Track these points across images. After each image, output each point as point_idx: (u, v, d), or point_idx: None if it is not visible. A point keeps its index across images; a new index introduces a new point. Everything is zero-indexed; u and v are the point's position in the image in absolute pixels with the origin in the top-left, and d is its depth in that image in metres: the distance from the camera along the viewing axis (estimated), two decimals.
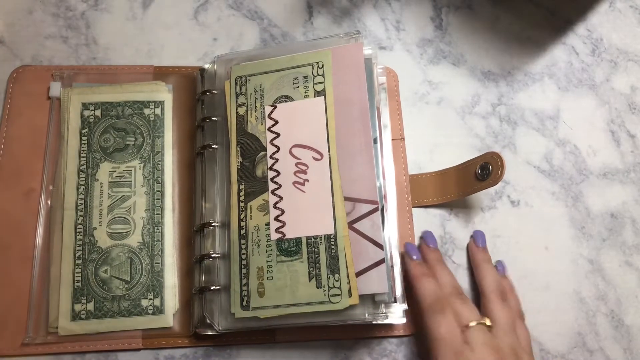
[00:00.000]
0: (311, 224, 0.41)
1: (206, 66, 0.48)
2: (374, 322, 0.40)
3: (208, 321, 0.41)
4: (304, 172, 0.42)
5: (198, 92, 0.48)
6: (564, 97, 0.53)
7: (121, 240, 0.44)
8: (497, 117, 0.51)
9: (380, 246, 0.40)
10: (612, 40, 0.55)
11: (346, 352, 0.43)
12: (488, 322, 0.39)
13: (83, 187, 0.44)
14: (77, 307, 0.42)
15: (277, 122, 0.43)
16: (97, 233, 0.43)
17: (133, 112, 0.47)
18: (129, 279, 0.43)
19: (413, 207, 0.47)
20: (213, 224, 0.43)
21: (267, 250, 0.41)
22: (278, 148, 0.43)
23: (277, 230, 0.41)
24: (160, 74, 0.48)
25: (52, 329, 0.41)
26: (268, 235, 0.41)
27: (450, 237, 0.47)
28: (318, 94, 0.43)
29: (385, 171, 0.43)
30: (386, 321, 0.40)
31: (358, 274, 0.40)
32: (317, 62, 0.44)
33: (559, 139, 0.51)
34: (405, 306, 0.40)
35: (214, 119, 0.46)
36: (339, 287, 0.39)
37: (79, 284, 0.42)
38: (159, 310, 0.42)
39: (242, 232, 0.42)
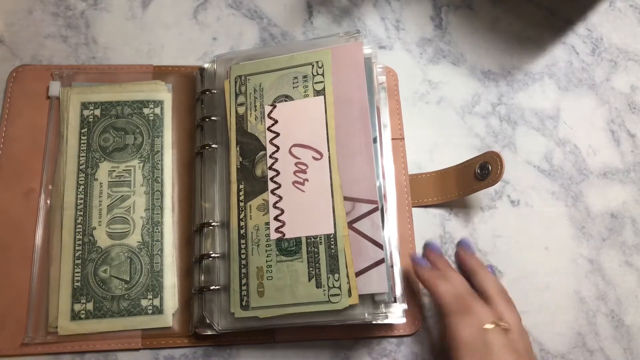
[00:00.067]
0: (311, 223, 0.41)
1: (206, 66, 0.47)
2: (373, 322, 0.40)
3: (208, 321, 0.41)
4: (304, 171, 0.42)
5: (197, 92, 0.48)
6: (564, 96, 0.53)
7: (121, 240, 0.43)
8: (497, 116, 0.51)
9: (380, 246, 0.40)
10: (612, 40, 0.55)
11: (346, 352, 0.43)
12: (505, 325, 0.39)
13: (82, 186, 0.44)
14: (77, 306, 0.42)
15: (276, 121, 0.43)
16: (97, 233, 0.43)
17: (132, 112, 0.47)
18: (128, 279, 0.43)
19: (413, 206, 0.47)
20: (212, 224, 0.43)
21: (266, 250, 0.41)
22: (278, 147, 0.43)
23: (277, 230, 0.41)
24: (159, 73, 0.48)
25: (51, 328, 0.41)
26: (268, 235, 0.41)
27: (450, 237, 0.47)
28: (318, 93, 0.43)
29: (385, 171, 0.43)
30: (386, 321, 0.40)
31: (358, 274, 0.40)
32: (317, 62, 0.44)
33: (559, 139, 0.51)
34: (405, 306, 0.40)
35: (213, 118, 0.45)
36: (339, 287, 0.39)
37: (79, 283, 0.42)
38: (159, 310, 0.42)
39: (242, 231, 0.42)
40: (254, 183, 0.43)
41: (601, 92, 0.53)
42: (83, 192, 0.44)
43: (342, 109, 0.43)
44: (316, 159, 0.42)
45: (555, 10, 0.55)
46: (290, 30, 0.52)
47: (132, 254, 0.43)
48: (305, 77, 0.44)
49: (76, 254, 0.43)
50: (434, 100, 0.51)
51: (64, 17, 0.50)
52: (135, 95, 0.47)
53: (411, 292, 0.45)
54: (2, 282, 0.42)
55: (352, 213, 0.41)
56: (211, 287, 0.42)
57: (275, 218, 0.41)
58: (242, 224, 0.42)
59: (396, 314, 0.40)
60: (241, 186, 0.43)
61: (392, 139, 0.47)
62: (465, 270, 0.44)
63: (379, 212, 0.41)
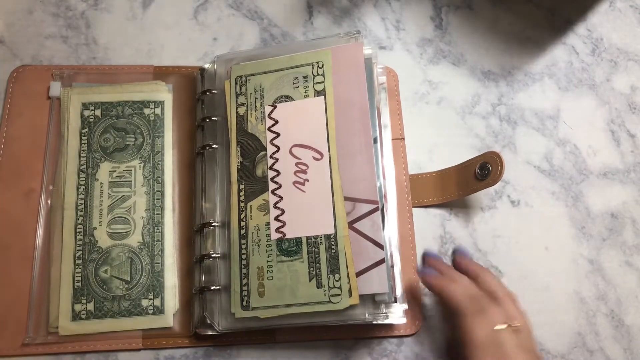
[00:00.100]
0: (311, 223, 0.41)
1: (206, 66, 0.47)
2: (374, 322, 0.40)
3: (208, 321, 0.41)
4: (304, 171, 0.42)
5: (198, 92, 0.48)
6: (564, 97, 0.53)
7: (121, 240, 0.43)
8: (497, 117, 0.51)
9: (381, 246, 0.40)
10: (612, 40, 0.55)
11: (346, 352, 0.43)
12: (517, 325, 0.39)
13: (83, 187, 0.44)
14: (77, 307, 0.42)
15: (277, 121, 0.43)
16: (97, 233, 0.43)
17: (133, 112, 0.47)
18: (129, 279, 0.43)
19: (413, 207, 0.47)
20: (213, 224, 0.43)
21: (267, 250, 0.41)
22: (278, 148, 0.43)
23: (277, 230, 0.41)
24: (160, 73, 0.48)
25: (52, 329, 0.41)
26: (268, 235, 0.41)
27: (450, 236, 0.47)
28: (318, 93, 0.43)
29: (385, 171, 0.43)
30: (386, 321, 0.40)
31: (358, 274, 0.40)
32: (317, 62, 0.44)
33: (559, 139, 0.51)
34: (405, 306, 0.40)
35: (214, 118, 0.46)
36: (339, 287, 0.39)
37: (79, 284, 0.42)
38: (159, 310, 0.42)
39: (242, 232, 0.42)
40: (255, 183, 0.43)
41: (601, 92, 0.53)
42: (84, 193, 0.44)
43: (342, 109, 0.43)
44: (316, 159, 0.42)
45: (555, 11, 0.56)
46: (291, 31, 0.52)
47: (133, 254, 0.43)
48: (305, 77, 0.44)
49: (77, 254, 0.43)
50: (434, 101, 0.51)
51: (65, 17, 0.50)
52: (136, 95, 0.47)
53: (411, 293, 0.45)
54: (3, 282, 0.42)
55: (353, 213, 0.41)
56: (212, 288, 0.42)
57: (276, 218, 0.41)
58: (242, 224, 0.42)
59: (396, 314, 0.40)
60: (242, 186, 0.43)
61: (393, 139, 0.47)
62: (467, 276, 0.44)
63: (379, 212, 0.41)
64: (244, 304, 0.40)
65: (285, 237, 0.41)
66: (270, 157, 0.43)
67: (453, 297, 0.39)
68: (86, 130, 0.46)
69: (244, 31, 0.52)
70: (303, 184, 0.42)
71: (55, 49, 0.49)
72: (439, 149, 0.50)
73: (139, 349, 0.42)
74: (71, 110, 0.46)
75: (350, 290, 0.39)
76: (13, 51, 0.49)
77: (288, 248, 0.41)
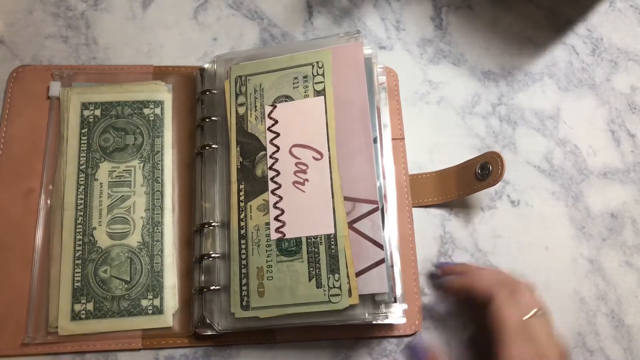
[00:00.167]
0: (311, 223, 0.41)
1: (206, 66, 0.47)
2: (374, 322, 0.40)
3: (208, 321, 0.41)
4: (304, 171, 0.42)
5: (198, 92, 0.48)
6: (564, 97, 0.53)
7: (121, 240, 0.43)
8: (497, 117, 0.51)
9: (381, 246, 0.40)
10: (612, 40, 0.55)
11: (346, 352, 0.43)
12: (542, 311, 0.38)
13: (83, 187, 0.44)
14: (77, 307, 0.42)
15: (276, 121, 0.43)
16: (97, 233, 0.43)
17: (133, 112, 0.47)
18: (128, 279, 0.43)
19: (413, 207, 0.47)
20: (213, 224, 0.43)
21: (267, 250, 0.41)
22: (278, 148, 0.43)
23: (277, 230, 0.41)
24: (160, 73, 0.48)
25: (51, 328, 0.41)
26: (268, 235, 0.41)
27: (450, 237, 0.47)
28: (318, 93, 0.43)
29: (385, 171, 0.43)
30: (386, 321, 0.40)
31: (358, 274, 0.40)
32: (317, 62, 0.44)
33: (559, 139, 0.51)
34: (405, 306, 0.40)
35: (213, 118, 0.46)
36: (339, 287, 0.39)
37: (79, 284, 0.42)
38: (159, 310, 0.42)
39: (242, 232, 0.42)
40: (254, 183, 0.43)
41: (601, 92, 0.53)
42: (83, 192, 0.44)
43: (342, 109, 0.43)
44: (316, 159, 0.42)
45: (555, 11, 0.55)
46: (291, 31, 0.52)
47: (133, 254, 0.43)
48: (305, 77, 0.44)
49: (76, 254, 0.43)
50: (434, 101, 0.51)
51: (64, 17, 0.50)
52: (136, 95, 0.47)
53: (411, 292, 0.45)
54: (2, 282, 0.42)
55: (353, 213, 0.41)
56: (211, 287, 0.42)
57: (276, 218, 0.41)
58: (242, 224, 0.42)
59: (396, 314, 0.40)
60: (241, 186, 0.43)
61: (393, 139, 0.47)
62: (465, 282, 0.43)
63: (379, 212, 0.41)
64: (244, 304, 0.40)
65: (285, 237, 0.41)
66: (270, 157, 0.43)
67: (481, 287, 0.39)
68: (86, 130, 0.46)
69: (244, 31, 0.52)
70: (303, 184, 0.42)
71: (55, 49, 0.49)
72: (439, 149, 0.50)
73: (139, 349, 0.42)
74: (71, 110, 0.46)
75: (350, 290, 0.39)
76: (13, 51, 0.49)
77: (288, 248, 0.41)
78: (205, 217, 0.44)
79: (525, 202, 0.49)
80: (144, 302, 0.42)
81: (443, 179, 0.47)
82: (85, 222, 0.44)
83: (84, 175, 0.45)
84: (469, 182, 0.45)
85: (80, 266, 0.42)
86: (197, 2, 0.52)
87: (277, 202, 0.42)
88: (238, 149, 0.44)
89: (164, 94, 0.48)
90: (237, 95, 0.45)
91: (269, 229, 0.41)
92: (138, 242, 0.44)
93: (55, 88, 0.47)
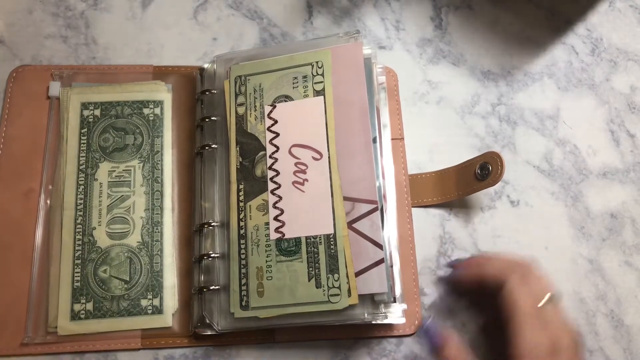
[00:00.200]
0: (310, 223, 0.41)
1: (206, 66, 0.48)
2: (373, 322, 0.40)
3: (207, 321, 0.41)
4: (304, 171, 0.42)
5: (197, 92, 0.48)
6: (564, 97, 0.53)
7: (120, 240, 0.43)
8: (496, 117, 0.51)
9: (380, 246, 0.40)
10: (612, 40, 0.55)
11: (346, 352, 0.43)
12: (554, 295, 0.38)
13: (82, 186, 0.44)
14: (77, 307, 0.42)
15: (276, 121, 0.43)
16: (97, 233, 0.43)
17: (132, 112, 0.47)
18: (128, 279, 0.43)
19: (413, 207, 0.47)
20: (212, 224, 0.43)
21: (266, 250, 0.41)
22: (277, 148, 0.43)
23: (277, 230, 0.41)
24: (159, 73, 0.48)
25: (51, 328, 0.41)
26: (267, 235, 0.41)
27: (450, 237, 0.47)
28: (317, 93, 0.43)
29: (385, 171, 0.43)
30: (386, 321, 0.40)
31: (357, 274, 0.40)
32: (317, 62, 0.44)
33: (559, 139, 0.51)
34: (404, 306, 0.40)
35: (213, 118, 0.46)
36: (339, 287, 0.39)
37: (79, 283, 0.42)
38: (158, 310, 0.42)
39: (242, 231, 0.42)
40: (254, 183, 0.43)
41: (601, 92, 0.53)
42: (83, 192, 0.44)
43: (342, 109, 0.43)
44: (316, 159, 0.42)
45: (555, 10, 0.55)
46: (290, 31, 0.52)
47: (132, 254, 0.43)
48: (305, 77, 0.44)
49: (76, 254, 0.43)
50: (434, 101, 0.51)
51: (64, 17, 0.50)
52: (135, 95, 0.47)
53: (411, 292, 0.45)
54: (2, 282, 0.42)
55: (352, 213, 0.41)
56: (211, 287, 0.42)
57: (275, 218, 0.41)
58: (241, 224, 0.42)
59: (396, 314, 0.40)
60: (241, 186, 0.43)
61: (392, 139, 0.47)
62: (476, 271, 0.42)
63: (378, 212, 0.41)
64: (243, 303, 0.40)
65: (285, 237, 0.41)
66: (270, 157, 0.43)
67: (492, 274, 0.39)
68: (85, 130, 0.46)
69: (244, 31, 0.52)
70: (302, 184, 0.42)
71: (55, 48, 0.49)
72: (438, 148, 0.50)
73: (138, 349, 0.42)
74: (70, 110, 0.46)
75: (349, 290, 0.39)
76: (13, 51, 0.49)
77: (287, 248, 0.41)
78: (205, 217, 0.44)
79: (525, 202, 0.49)
80: (144, 302, 0.42)
81: (443, 179, 0.47)
82: (85, 222, 0.44)
83: (83, 175, 0.45)
84: (468, 182, 0.45)
85: (79, 266, 0.42)
86: (197, 2, 0.52)
87: (276, 202, 0.42)
88: (238, 148, 0.44)
89: (163, 93, 0.48)
90: (236, 95, 0.45)
91: (268, 228, 0.41)
92: (138, 242, 0.44)
93: (55, 88, 0.47)
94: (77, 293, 0.42)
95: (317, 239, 0.40)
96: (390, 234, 0.41)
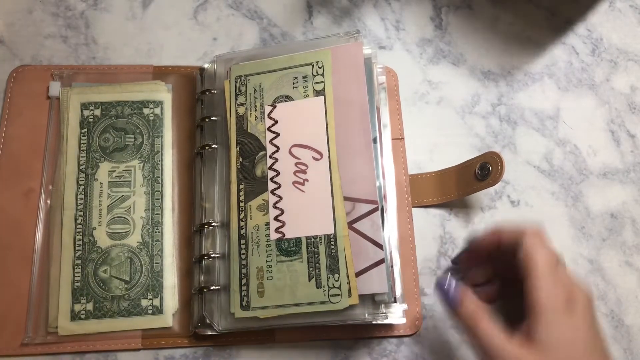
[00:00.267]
0: (311, 223, 0.41)
1: (206, 66, 0.47)
2: (373, 322, 0.40)
3: (208, 321, 0.41)
4: (304, 171, 0.42)
5: (197, 92, 0.48)
6: (564, 97, 0.53)
7: (121, 240, 0.43)
8: (497, 116, 0.51)
9: (380, 246, 0.40)
10: (612, 40, 0.55)
11: (346, 352, 0.43)
12: (563, 260, 0.39)
13: (82, 187, 0.44)
14: (77, 307, 0.42)
15: (276, 121, 0.43)
16: (97, 233, 0.43)
17: (132, 112, 0.47)
18: (128, 279, 0.43)
19: (413, 207, 0.47)
20: (213, 224, 0.43)
21: (266, 250, 0.41)
22: (278, 148, 0.43)
23: (277, 230, 0.41)
24: (159, 73, 0.48)
25: (51, 329, 0.41)
26: (268, 235, 0.41)
27: (450, 237, 0.47)
28: (318, 93, 0.43)
29: (385, 171, 0.43)
30: (386, 321, 0.40)
31: (358, 274, 0.40)
32: (317, 62, 0.44)
33: (559, 139, 0.51)
34: (405, 306, 0.40)
35: (213, 118, 0.45)
36: (339, 287, 0.39)
37: (79, 284, 0.42)
38: (159, 310, 0.42)
39: (242, 232, 0.42)
40: (254, 183, 0.43)
41: (601, 92, 0.53)
42: (83, 192, 0.44)
43: (342, 109, 0.43)
44: (316, 159, 0.42)
45: (555, 10, 0.55)
46: (290, 31, 0.52)
47: (132, 254, 0.43)
48: (305, 77, 0.44)
49: (76, 254, 0.43)
50: (434, 100, 0.51)
51: (64, 17, 0.50)
52: (135, 95, 0.47)
53: (411, 293, 0.45)
54: (2, 282, 0.42)
55: (352, 213, 0.41)
56: (211, 287, 0.42)
57: (275, 218, 0.41)
58: (242, 224, 0.42)
59: (396, 314, 0.40)
60: (241, 186, 0.43)
61: (392, 139, 0.47)
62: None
63: (379, 213, 0.41)
64: (244, 304, 0.40)
65: (285, 237, 0.41)
66: (270, 157, 0.43)
67: (509, 233, 0.39)
68: (86, 130, 0.46)
69: (244, 31, 0.52)
70: (303, 184, 0.42)
71: (55, 48, 0.49)
72: (438, 148, 0.50)
73: (139, 349, 0.42)
74: (71, 110, 0.46)
75: (349, 290, 0.39)
76: (13, 51, 0.49)
77: (287, 248, 0.41)
78: (205, 217, 0.44)
79: (525, 202, 0.49)
80: (144, 302, 0.42)
81: (443, 179, 0.47)
82: (85, 222, 0.44)
83: (83, 175, 0.45)
84: (468, 182, 0.45)
85: (80, 266, 0.42)
86: (196, 2, 0.52)
87: (276, 202, 0.42)
88: (238, 149, 0.44)
89: (163, 93, 0.48)
90: (236, 95, 0.45)
91: (268, 229, 0.41)
92: (138, 242, 0.44)
93: (55, 88, 0.47)
94: (77, 293, 0.42)
95: (318, 239, 0.40)
96: (390, 234, 0.41)
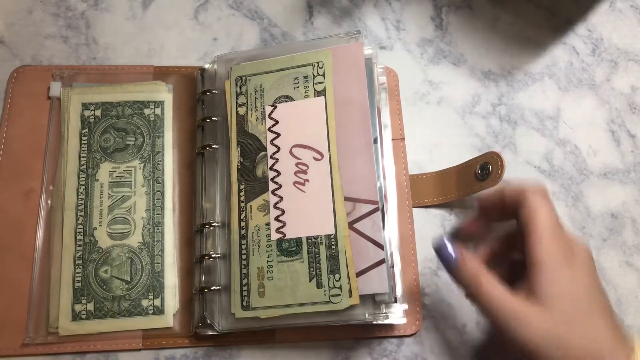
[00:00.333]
0: (311, 224, 0.41)
1: (206, 66, 0.47)
2: (374, 322, 0.40)
3: (208, 321, 0.41)
4: (305, 172, 0.42)
5: (198, 92, 0.48)
6: (564, 97, 0.53)
7: (121, 241, 0.43)
8: (497, 117, 0.51)
9: (381, 246, 0.40)
10: (612, 40, 0.55)
11: (346, 352, 0.43)
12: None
13: (83, 187, 0.44)
14: (78, 307, 0.42)
15: (277, 122, 0.43)
16: (98, 233, 0.43)
17: (133, 112, 0.47)
18: (129, 279, 0.43)
19: (413, 207, 0.47)
20: (213, 224, 0.43)
21: (267, 251, 0.41)
22: (278, 148, 0.43)
23: (278, 230, 0.41)
24: (160, 73, 0.48)
25: (52, 329, 0.41)
26: (268, 236, 0.41)
27: None
28: (318, 93, 0.43)
29: (386, 171, 0.43)
30: (386, 321, 0.40)
31: (358, 274, 0.40)
32: (318, 62, 0.44)
33: (559, 139, 0.51)
34: (405, 306, 0.41)
35: (214, 118, 0.46)
36: (340, 287, 0.39)
37: (80, 284, 0.42)
38: (159, 311, 0.42)
39: (243, 232, 0.42)
40: (255, 183, 0.43)
41: (601, 92, 0.53)
42: (84, 193, 0.44)
43: (342, 109, 0.43)
44: (317, 160, 0.42)
45: (555, 10, 0.56)
46: (291, 31, 0.52)
47: (133, 255, 0.43)
48: (305, 77, 0.44)
49: (77, 255, 0.43)
50: (435, 101, 0.51)
51: (65, 17, 0.50)
52: (136, 95, 0.47)
53: (412, 293, 0.45)
54: (2, 282, 0.42)
55: (353, 213, 0.41)
56: (212, 288, 0.42)
57: (276, 218, 0.41)
58: (242, 224, 0.42)
59: (397, 314, 0.40)
60: (242, 186, 0.43)
61: (393, 139, 0.47)
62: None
63: (379, 213, 0.41)
64: (244, 304, 0.40)
65: (286, 238, 0.41)
66: (271, 157, 0.43)
67: (512, 189, 0.38)
68: (86, 130, 0.46)
69: (244, 31, 0.52)
70: (303, 184, 0.42)
71: (55, 49, 0.49)
72: (439, 149, 0.50)
73: (139, 349, 0.42)
74: (71, 111, 0.46)
75: (350, 291, 0.39)
76: (13, 51, 0.49)
77: (288, 248, 0.41)
78: (206, 218, 0.44)
79: None
80: (145, 302, 0.42)
81: (443, 179, 0.47)
82: (86, 223, 0.44)
83: (84, 175, 0.45)
84: (469, 183, 0.45)
85: (80, 266, 0.42)
86: (197, 2, 0.52)
87: (277, 203, 0.42)
88: (238, 149, 0.44)
89: (164, 94, 0.48)
90: (237, 96, 0.45)
91: (269, 229, 0.41)
92: (139, 242, 0.44)
93: (56, 88, 0.47)
94: (78, 293, 0.42)
95: (318, 239, 0.41)
96: (391, 234, 0.41)
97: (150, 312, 0.42)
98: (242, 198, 0.42)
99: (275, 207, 0.42)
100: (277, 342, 0.43)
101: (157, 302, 0.43)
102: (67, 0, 0.51)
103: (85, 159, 0.45)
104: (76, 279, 0.42)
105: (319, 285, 0.40)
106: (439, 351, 0.44)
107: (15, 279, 0.42)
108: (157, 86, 0.48)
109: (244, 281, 0.41)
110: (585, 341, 0.34)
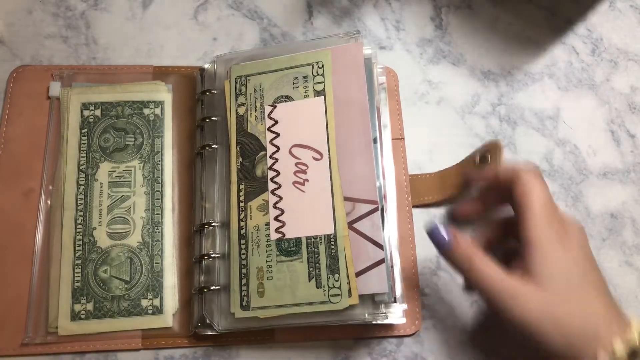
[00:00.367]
0: (311, 223, 0.41)
1: (206, 66, 0.48)
2: (373, 322, 0.40)
3: (208, 321, 0.41)
4: (304, 172, 0.42)
5: (198, 92, 0.48)
6: (564, 97, 0.53)
7: (121, 240, 0.43)
8: (497, 116, 0.51)
9: (380, 246, 0.40)
10: (612, 40, 0.55)
11: (346, 352, 0.43)
12: None
13: (83, 187, 0.44)
14: (77, 307, 0.42)
15: (276, 122, 0.43)
16: (97, 233, 0.43)
17: (133, 112, 0.47)
18: (128, 279, 0.43)
19: (413, 207, 0.47)
20: (213, 224, 0.43)
21: (266, 250, 0.41)
22: (278, 148, 0.43)
23: (277, 230, 0.41)
24: (159, 73, 0.48)
25: (51, 329, 0.41)
26: (268, 235, 0.41)
27: None
28: (318, 93, 0.43)
29: (385, 171, 0.43)
30: (386, 321, 0.40)
31: (358, 274, 0.40)
32: (317, 62, 0.44)
33: (559, 139, 0.51)
34: (405, 306, 0.40)
35: (213, 118, 0.46)
36: (339, 287, 0.39)
37: (79, 284, 0.42)
38: (159, 310, 0.42)
39: (242, 232, 0.42)
40: (254, 183, 0.43)
41: (601, 92, 0.53)
42: (83, 193, 0.44)
43: (342, 109, 0.43)
44: (316, 159, 0.42)
45: (555, 10, 0.55)
46: (291, 31, 0.52)
47: (133, 254, 0.43)
48: (305, 77, 0.44)
49: (76, 254, 0.43)
50: (434, 101, 0.51)
51: (64, 17, 0.50)
52: (136, 95, 0.47)
53: (411, 292, 0.45)
54: (2, 282, 0.42)
55: (352, 213, 0.41)
56: (211, 287, 0.42)
57: (276, 218, 0.41)
58: (242, 224, 0.42)
59: (396, 314, 0.40)
60: (241, 186, 0.43)
61: (392, 139, 0.47)
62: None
63: (379, 213, 0.41)
64: (244, 304, 0.40)
65: (285, 237, 0.41)
66: (270, 157, 0.43)
67: (506, 169, 0.39)
68: (86, 130, 0.46)
69: (244, 31, 0.52)
70: (303, 184, 0.42)
71: (55, 49, 0.49)
72: (438, 148, 0.50)
73: (139, 349, 0.42)
74: (71, 110, 0.46)
75: (349, 291, 0.39)
76: (13, 51, 0.49)
77: (288, 248, 0.41)
78: (205, 217, 0.44)
79: None
80: (144, 302, 0.42)
81: (443, 179, 0.47)
82: (85, 222, 0.44)
83: (84, 175, 0.45)
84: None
85: (80, 266, 0.42)
86: (197, 2, 0.52)
87: (277, 202, 0.42)
88: (238, 149, 0.44)
89: (163, 94, 0.48)
90: (237, 96, 0.45)
91: (268, 229, 0.41)
92: (138, 242, 0.44)
93: (55, 88, 0.47)
94: (77, 293, 0.42)
95: (318, 239, 0.40)
96: (390, 234, 0.41)
97: (150, 312, 0.42)
98: (242, 198, 0.42)
99: (275, 207, 0.42)
100: (277, 342, 0.43)
101: (156, 302, 0.42)
102: (67, 0, 0.51)
103: (84, 158, 0.45)
104: (75, 278, 0.42)
105: (319, 285, 0.40)
106: (438, 351, 0.44)
107: (15, 278, 0.42)
108: (157, 86, 0.48)
109: (244, 281, 0.41)
110: (580, 318, 0.34)
